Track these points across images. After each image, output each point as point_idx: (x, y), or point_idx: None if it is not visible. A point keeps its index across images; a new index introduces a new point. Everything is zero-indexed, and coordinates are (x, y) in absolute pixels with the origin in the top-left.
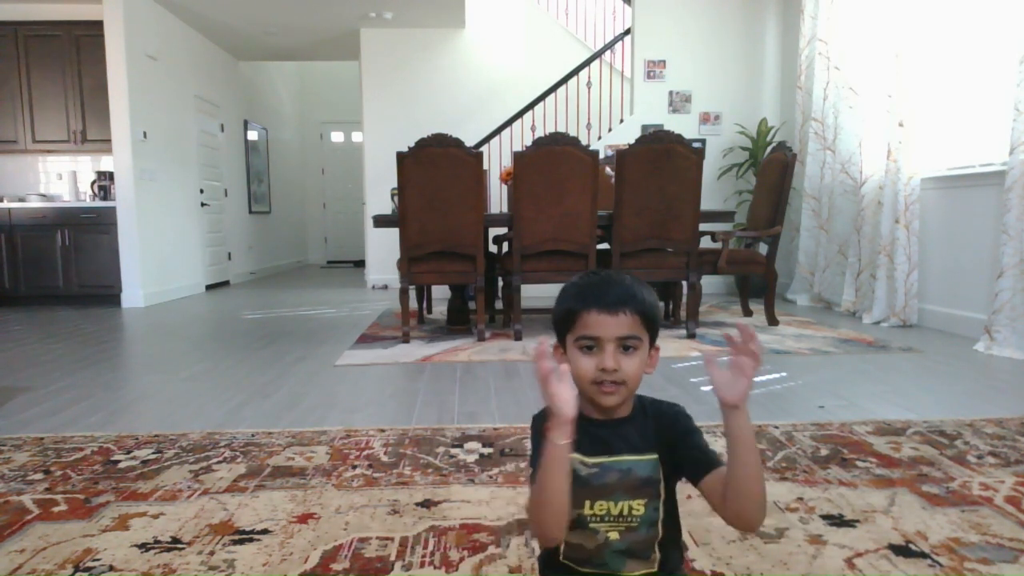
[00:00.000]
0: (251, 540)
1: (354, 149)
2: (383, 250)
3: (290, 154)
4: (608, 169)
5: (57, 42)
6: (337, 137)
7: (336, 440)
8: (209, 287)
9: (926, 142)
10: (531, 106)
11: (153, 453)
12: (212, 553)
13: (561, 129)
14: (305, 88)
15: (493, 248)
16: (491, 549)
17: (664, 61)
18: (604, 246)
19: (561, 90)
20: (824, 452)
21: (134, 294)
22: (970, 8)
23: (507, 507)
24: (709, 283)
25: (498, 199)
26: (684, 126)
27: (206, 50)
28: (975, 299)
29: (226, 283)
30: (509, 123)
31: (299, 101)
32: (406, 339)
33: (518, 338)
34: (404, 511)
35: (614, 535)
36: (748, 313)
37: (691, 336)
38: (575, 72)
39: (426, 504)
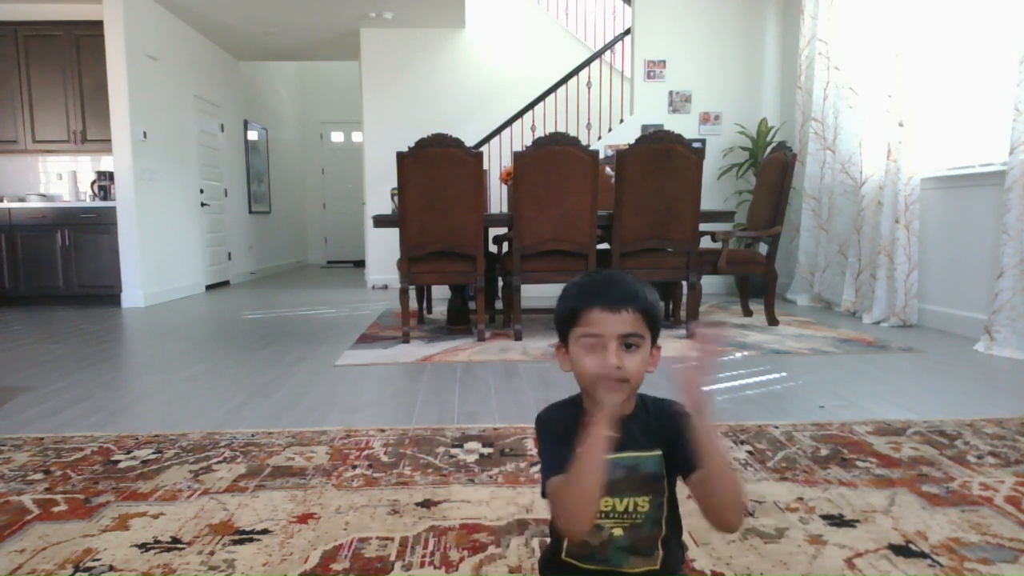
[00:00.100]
0: (251, 540)
1: (354, 149)
2: (383, 250)
3: (290, 154)
4: (608, 169)
5: (57, 42)
6: (337, 137)
7: (336, 440)
8: (209, 287)
9: (926, 142)
10: (531, 106)
11: (153, 453)
12: (212, 553)
13: (561, 129)
14: (305, 88)
15: (493, 248)
16: (491, 549)
17: (664, 61)
18: (604, 246)
19: (561, 90)
20: (824, 452)
21: (134, 294)
22: (970, 8)
23: (507, 507)
24: (709, 283)
25: (498, 199)
26: (684, 126)
27: (206, 50)
28: (975, 299)
29: (226, 283)
30: (509, 123)
31: (299, 101)
32: (406, 339)
33: (518, 338)
34: (404, 511)
35: (618, 531)
36: (748, 313)
37: (691, 336)
38: (575, 72)
39: (426, 504)
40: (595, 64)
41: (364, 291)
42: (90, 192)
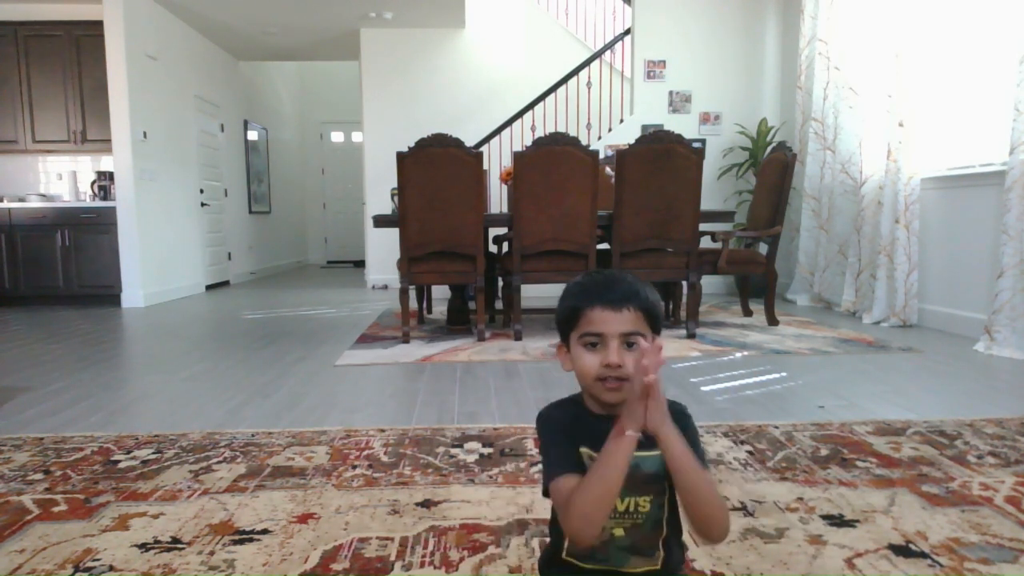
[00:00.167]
0: (251, 540)
1: (354, 149)
2: (383, 250)
3: (290, 154)
4: (608, 169)
5: (57, 42)
6: (337, 137)
7: (336, 440)
8: (209, 287)
9: (926, 142)
10: (531, 106)
11: (153, 453)
12: (212, 553)
13: (561, 129)
14: (305, 88)
15: (493, 248)
16: (491, 549)
17: (664, 61)
18: (604, 246)
19: (561, 90)
20: (824, 452)
21: (134, 294)
22: (970, 8)
23: (507, 507)
24: (709, 283)
25: (498, 199)
26: (684, 126)
27: (206, 50)
28: (975, 299)
29: (226, 283)
30: (509, 123)
31: (299, 101)
32: (406, 339)
33: (518, 338)
34: (404, 511)
35: (619, 531)
36: (748, 313)
37: (691, 336)
38: (575, 72)
39: (426, 504)
40: (595, 64)
41: (364, 291)
42: (90, 192)
